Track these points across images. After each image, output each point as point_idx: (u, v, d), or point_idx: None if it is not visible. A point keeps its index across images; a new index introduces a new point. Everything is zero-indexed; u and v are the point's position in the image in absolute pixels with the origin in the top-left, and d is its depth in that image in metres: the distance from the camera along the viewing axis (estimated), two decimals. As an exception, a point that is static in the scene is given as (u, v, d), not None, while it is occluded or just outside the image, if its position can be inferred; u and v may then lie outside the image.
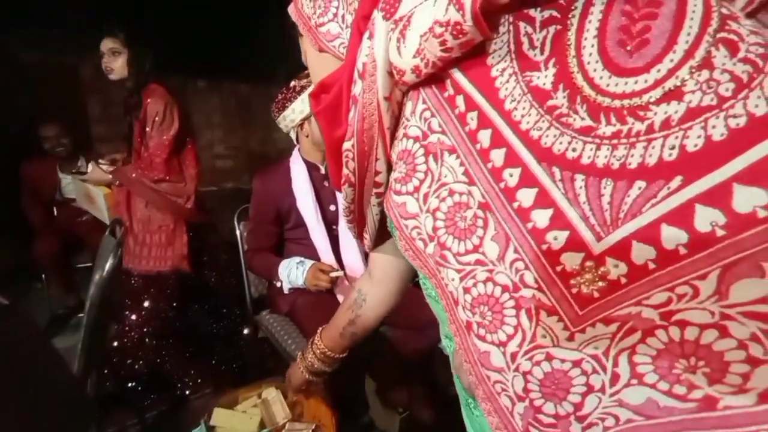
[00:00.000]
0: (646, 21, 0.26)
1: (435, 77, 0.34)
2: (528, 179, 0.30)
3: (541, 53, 0.30)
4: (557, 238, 0.29)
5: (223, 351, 1.73)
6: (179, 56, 2.42)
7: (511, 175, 0.30)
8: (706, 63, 0.25)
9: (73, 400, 0.75)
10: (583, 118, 0.28)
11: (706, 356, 0.27)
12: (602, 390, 0.30)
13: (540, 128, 0.29)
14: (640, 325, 0.28)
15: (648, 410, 0.29)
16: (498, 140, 0.31)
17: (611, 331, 0.29)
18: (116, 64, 1.47)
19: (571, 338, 0.30)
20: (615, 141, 0.27)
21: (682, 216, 0.25)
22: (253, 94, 4.40)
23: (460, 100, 0.33)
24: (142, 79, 1.49)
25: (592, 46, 0.28)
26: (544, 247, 0.29)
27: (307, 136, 1.29)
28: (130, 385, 1.51)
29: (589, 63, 0.28)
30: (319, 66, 0.49)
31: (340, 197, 1.42)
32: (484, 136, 0.32)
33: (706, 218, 0.25)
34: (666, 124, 0.26)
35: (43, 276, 2.12)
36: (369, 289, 0.67)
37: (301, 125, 1.28)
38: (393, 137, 0.40)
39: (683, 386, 0.28)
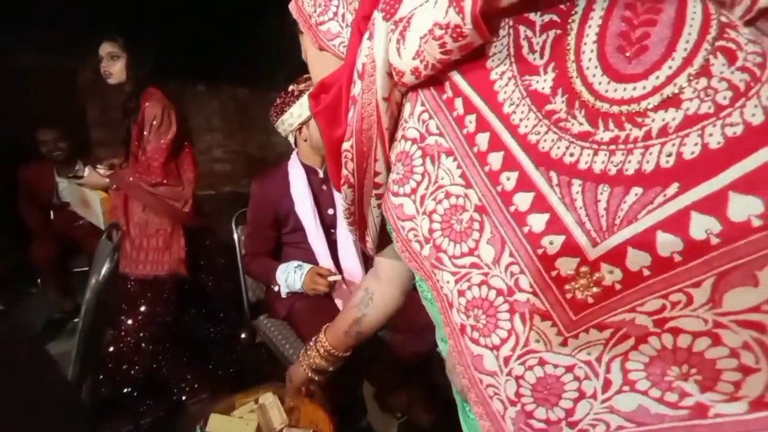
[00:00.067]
0: (646, 27, 0.27)
1: (434, 79, 0.34)
2: (525, 183, 0.30)
3: (541, 57, 0.30)
4: (553, 242, 0.29)
5: (220, 356, 1.72)
6: (178, 60, 2.42)
7: (508, 179, 0.30)
8: (704, 71, 0.25)
9: (67, 405, 0.74)
10: (581, 123, 0.28)
11: (699, 364, 0.27)
12: (594, 396, 0.30)
13: (538, 132, 0.29)
14: (633, 332, 0.28)
15: (639, 417, 0.29)
16: (496, 143, 0.31)
17: (605, 337, 0.29)
18: (115, 68, 1.47)
19: (564, 343, 0.30)
20: (613, 147, 0.27)
21: (677, 223, 0.25)
22: (251, 98, 4.40)
23: (458, 103, 0.33)
24: (140, 83, 1.49)
25: (592, 51, 0.28)
26: (540, 251, 0.29)
27: (306, 140, 1.30)
28: (126, 390, 1.49)
29: (588, 68, 0.28)
30: (318, 64, 0.49)
31: (338, 200, 1.43)
32: (482, 139, 0.32)
33: (702, 226, 0.25)
34: (663, 131, 0.26)
35: (39, 280, 2.11)
36: (376, 288, 0.67)
37: (299, 129, 1.29)
38: (392, 138, 0.40)
39: (675, 393, 0.28)
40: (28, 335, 0.74)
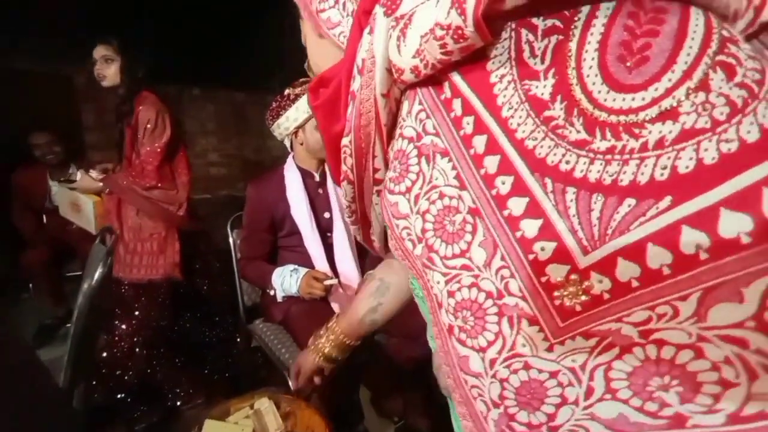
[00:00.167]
0: (648, 38, 0.26)
1: (433, 78, 0.34)
2: (520, 188, 0.30)
3: (542, 62, 0.30)
4: (545, 248, 0.29)
5: (215, 360, 1.70)
6: (173, 63, 2.42)
7: (503, 183, 0.30)
8: (703, 85, 0.25)
9: (58, 412, 0.73)
10: (578, 131, 0.28)
11: (681, 376, 0.27)
12: (576, 402, 0.30)
13: (535, 138, 0.29)
14: (618, 342, 0.28)
15: (619, 425, 0.29)
16: (493, 147, 0.31)
17: (590, 345, 0.29)
18: (109, 71, 1.47)
19: (550, 349, 0.30)
20: (609, 156, 0.27)
21: (668, 237, 0.25)
22: (247, 101, 4.40)
23: (457, 104, 0.33)
24: (134, 86, 1.49)
25: (593, 59, 0.28)
26: (531, 256, 0.29)
27: (302, 144, 1.29)
28: (120, 396, 1.48)
29: (588, 76, 0.28)
30: (317, 52, 0.48)
31: (335, 204, 1.42)
32: (479, 142, 0.32)
33: (692, 240, 0.25)
34: (660, 143, 0.26)
35: (31, 285, 2.08)
36: (392, 278, 0.69)
37: (295, 133, 1.29)
38: (391, 135, 0.40)
39: (655, 403, 0.28)
40: (18, 341, 0.73)
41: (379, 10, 0.35)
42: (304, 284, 1.20)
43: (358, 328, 0.74)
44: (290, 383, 1.13)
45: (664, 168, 0.26)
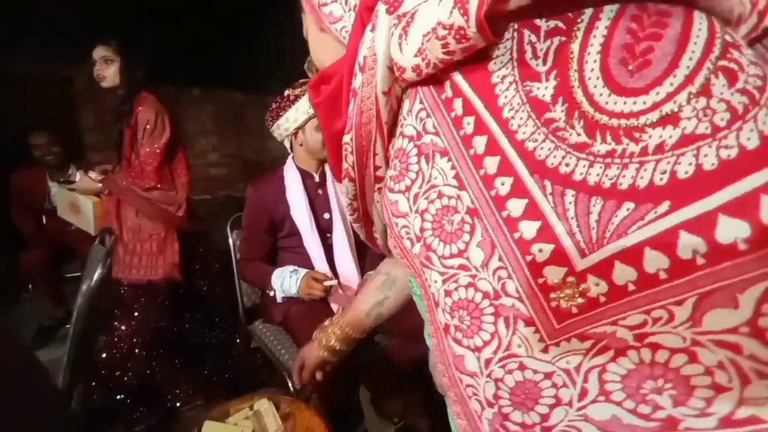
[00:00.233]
0: (650, 42, 0.26)
1: (434, 77, 0.34)
2: (519, 189, 0.30)
3: (543, 64, 0.30)
4: (542, 250, 0.29)
5: (214, 362, 1.70)
6: (173, 64, 2.42)
7: (502, 184, 0.30)
8: (705, 90, 0.25)
9: (57, 414, 0.73)
10: (579, 134, 0.28)
11: (674, 379, 0.27)
12: (570, 404, 0.30)
13: (535, 140, 0.29)
14: (613, 344, 0.28)
15: (612, 427, 0.29)
16: (493, 148, 0.31)
17: (585, 347, 0.29)
18: (108, 72, 1.47)
19: (545, 350, 0.30)
20: (608, 160, 0.27)
21: (666, 241, 0.26)
22: (247, 102, 4.40)
23: (457, 104, 0.33)
24: (134, 87, 1.49)
25: (595, 61, 0.28)
26: (529, 258, 0.29)
27: (301, 145, 1.30)
28: (118, 397, 1.47)
29: (590, 78, 0.28)
30: (319, 45, 0.48)
31: (335, 204, 1.42)
32: (480, 142, 0.31)
33: (689, 245, 0.25)
34: (660, 148, 0.26)
35: (31, 286, 2.08)
36: (399, 272, 0.69)
37: (295, 134, 1.29)
38: (391, 133, 0.40)
39: (648, 406, 0.28)
40: (17, 342, 0.73)
41: (381, 8, 0.35)
42: (303, 285, 1.20)
43: (364, 321, 0.74)
44: (290, 383, 1.13)
45: (664, 173, 0.26)
